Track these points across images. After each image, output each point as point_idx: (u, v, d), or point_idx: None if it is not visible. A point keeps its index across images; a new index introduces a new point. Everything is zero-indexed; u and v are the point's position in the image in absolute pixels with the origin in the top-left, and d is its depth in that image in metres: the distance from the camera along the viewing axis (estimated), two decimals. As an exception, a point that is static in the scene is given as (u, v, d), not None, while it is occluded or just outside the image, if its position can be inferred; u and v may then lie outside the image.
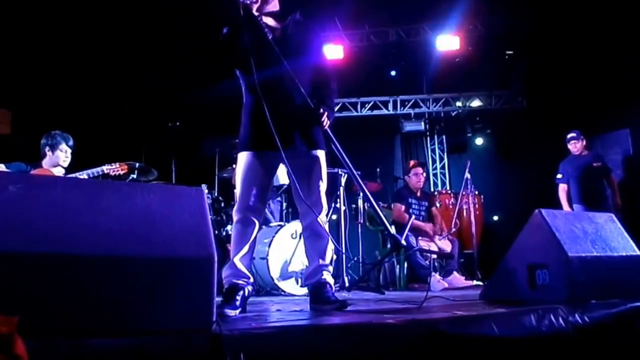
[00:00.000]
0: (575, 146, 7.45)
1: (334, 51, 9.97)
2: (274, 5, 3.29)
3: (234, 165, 6.59)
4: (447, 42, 10.09)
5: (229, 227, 6.14)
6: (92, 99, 7.71)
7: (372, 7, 9.58)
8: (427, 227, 6.60)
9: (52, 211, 1.73)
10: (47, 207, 1.73)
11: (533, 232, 3.16)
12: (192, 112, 8.28)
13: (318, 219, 3.22)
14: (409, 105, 11.01)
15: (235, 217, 3.20)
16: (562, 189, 7.48)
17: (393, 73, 10.99)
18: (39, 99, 6.99)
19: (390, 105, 11.01)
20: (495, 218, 7.11)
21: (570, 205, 7.36)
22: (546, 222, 3.07)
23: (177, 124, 6.83)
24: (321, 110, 3.16)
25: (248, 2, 3.06)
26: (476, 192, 7.64)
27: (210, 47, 3.35)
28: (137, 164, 5.42)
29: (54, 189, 1.77)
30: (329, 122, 3.20)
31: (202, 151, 7.11)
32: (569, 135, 7.48)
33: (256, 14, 3.13)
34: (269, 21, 3.26)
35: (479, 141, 11.02)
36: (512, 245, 3.26)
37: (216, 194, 6.53)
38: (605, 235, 3.28)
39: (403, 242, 3.09)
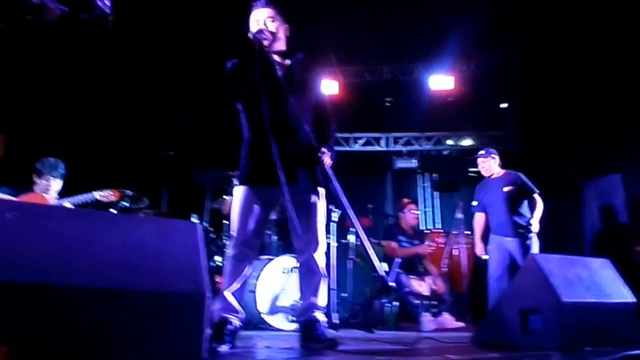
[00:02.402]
0: (483, 166, 6.31)
1: (328, 86, 10.06)
2: (281, 45, 3.37)
3: (224, 197, 6.59)
4: (441, 81, 10.24)
5: (217, 258, 6.09)
6: (87, 124, 7.70)
7: (367, 45, 9.71)
8: (421, 248, 6.64)
9: (46, 241, 1.70)
10: (41, 236, 1.70)
11: (526, 276, 3.15)
12: (187, 141, 8.28)
13: (314, 256, 3.21)
14: (401, 143, 11.08)
15: (230, 251, 3.19)
16: (477, 218, 6.44)
17: (388, 103, 11.08)
18: (34, 122, 6.98)
19: (383, 142, 11.08)
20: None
21: (485, 237, 6.43)
22: (539, 267, 3.06)
23: (171, 152, 6.81)
24: (324, 150, 3.19)
25: (261, 38, 3.13)
26: (468, 232, 7.63)
27: (218, 79, 3.38)
28: (129, 192, 5.38)
29: (50, 218, 1.75)
30: (330, 162, 3.23)
31: (194, 181, 7.09)
32: (478, 154, 6.48)
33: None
34: (276, 59, 3.33)
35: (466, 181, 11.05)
36: (504, 290, 3.24)
37: (207, 225, 6.48)
38: (599, 281, 3.27)
39: (392, 283, 3.07)
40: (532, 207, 6.04)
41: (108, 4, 2.38)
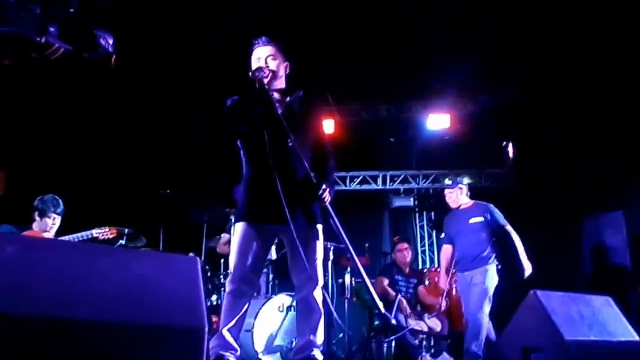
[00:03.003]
0: (450, 197, 6.06)
1: (325, 125, 10.14)
2: (281, 82, 3.44)
3: (221, 235, 6.59)
4: (438, 120, 10.33)
5: (213, 297, 6.05)
6: (85, 162, 7.76)
7: (363, 83, 9.83)
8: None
9: (48, 274, 1.72)
10: (43, 269, 1.72)
11: (528, 313, 3.14)
12: (183, 180, 8.32)
13: (313, 293, 3.20)
14: (398, 181, 11.11)
15: (228, 288, 3.20)
16: (444, 250, 6.19)
17: (391, 139, 11.17)
18: (34, 160, 7.03)
19: (379, 180, 11.11)
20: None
21: (448, 271, 6.22)
22: (541, 304, 3.05)
23: (168, 191, 6.83)
24: (323, 187, 3.21)
25: (261, 77, 3.19)
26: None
27: (218, 117, 3.44)
28: (127, 230, 5.39)
29: (51, 252, 1.77)
30: (330, 198, 3.25)
31: (190, 219, 7.09)
32: (444, 184, 6.28)
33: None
34: (276, 96, 3.39)
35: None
36: (506, 326, 3.22)
37: (202, 263, 6.46)
38: (602, 319, 3.25)
39: (393, 321, 3.06)
40: (506, 242, 5.82)
41: (111, 42, 2.43)
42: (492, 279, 5.62)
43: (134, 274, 1.85)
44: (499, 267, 5.81)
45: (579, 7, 7.31)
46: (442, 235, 6.28)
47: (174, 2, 6.93)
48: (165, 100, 8.43)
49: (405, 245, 7.00)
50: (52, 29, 2.26)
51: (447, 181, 6.22)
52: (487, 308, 5.50)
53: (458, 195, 5.99)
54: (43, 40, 2.24)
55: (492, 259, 5.68)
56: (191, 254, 6.38)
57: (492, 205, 5.98)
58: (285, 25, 7.08)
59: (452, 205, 6.03)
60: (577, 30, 7.66)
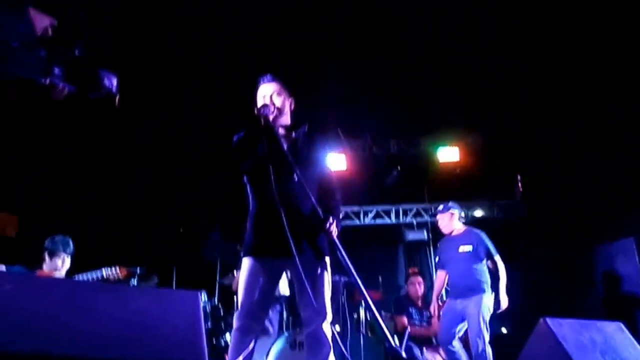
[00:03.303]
0: (441, 223, 6.00)
1: (336, 160, 10.17)
2: (286, 119, 3.50)
3: (234, 272, 6.55)
4: (447, 154, 10.34)
5: (227, 336, 5.98)
6: (94, 200, 7.82)
7: (372, 119, 9.89)
8: (431, 331, 6.42)
9: (47, 311, 1.71)
10: (42, 307, 1.71)
11: (539, 342, 3.06)
12: (195, 218, 8.34)
13: (322, 326, 3.16)
14: (411, 214, 11.05)
15: (235, 324, 3.16)
16: (438, 276, 6.09)
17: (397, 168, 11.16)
18: (44, 202, 7.10)
19: (392, 214, 11.06)
20: (504, 330, 6.67)
21: (441, 298, 6.11)
22: (552, 332, 2.97)
23: (180, 229, 6.85)
24: (330, 220, 3.19)
25: (266, 113, 3.23)
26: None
27: (225, 153, 3.48)
28: (138, 269, 5.37)
29: (50, 290, 1.76)
30: (337, 232, 3.24)
31: (203, 257, 7.08)
32: (437, 210, 6.19)
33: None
34: (282, 132, 3.44)
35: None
36: (519, 356, 3.14)
37: (216, 302, 6.41)
38: (615, 345, 3.15)
39: (404, 354, 2.99)
40: (493, 273, 5.70)
41: (115, 83, 2.46)
42: (486, 308, 5.53)
43: (134, 311, 1.82)
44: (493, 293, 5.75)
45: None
46: (436, 258, 6.20)
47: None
48: (176, 139, 8.52)
49: (419, 279, 6.92)
50: (56, 71, 2.29)
51: (440, 207, 6.13)
52: (487, 337, 5.42)
53: (449, 221, 5.93)
54: (48, 81, 2.26)
55: (485, 288, 5.59)
56: (203, 293, 6.35)
57: (483, 234, 5.91)
58: (290, 58, 7.16)
59: (445, 230, 5.98)
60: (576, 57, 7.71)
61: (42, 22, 2.24)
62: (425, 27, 7.81)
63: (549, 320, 3.07)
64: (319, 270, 3.26)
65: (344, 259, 3.17)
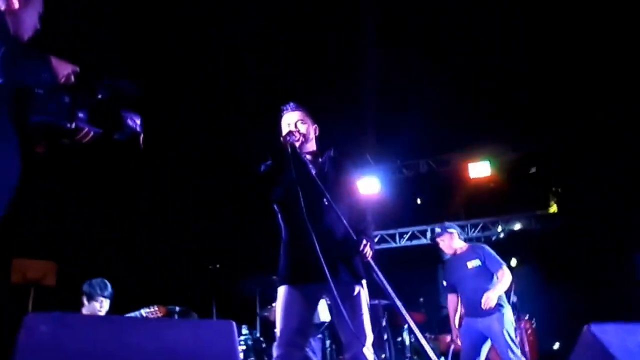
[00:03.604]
0: (443, 245, 5.81)
1: (368, 185, 10.15)
2: (312, 145, 3.53)
3: (273, 304, 6.51)
4: (478, 169, 10.22)
5: (270, 369, 5.92)
6: (131, 244, 7.92)
7: (401, 142, 9.88)
8: None
9: (82, 349, 1.70)
10: (77, 345, 1.70)
11: (585, 350, 2.90)
12: (231, 254, 8.38)
13: (363, 351, 3.09)
14: (446, 233, 10.92)
15: (275, 353, 3.12)
16: (449, 300, 5.87)
17: (419, 201, 11.08)
18: (82, 249, 7.22)
19: (428, 234, 10.95)
20: (556, 347, 6.42)
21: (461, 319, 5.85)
22: (597, 339, 2.82)
23: (217, 266, 6.87)
24: (364, 242, 3.17)
25: (293, 140, 3.26)
26: (526, 317, 7.24)
27: (255, 182, 3.50)
28: (177, 308, 5.39)
29: (84, 328, 1.76)
30: (371, 253, 3.20)
31: (242, 292, 7.07)
32: (435, 233, 5.96)
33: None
34: (308, 158, 3.44)
35: (519, 264, 10.71)
36: None
37: (258, 335, 6.37)
38: (662, 348, 2.99)
39: None
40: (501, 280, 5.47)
41: (138, 122, 2.50)
42: (509, 323, 5.39)
43: (168, 344, 1.81)
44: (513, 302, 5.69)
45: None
46: (444, 282, 6.01)
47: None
48: (209, 178, 8.62)
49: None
50: (81, 115, 2.33)
51: (437, 229, 5.94)
52: (518, 351, 5.26)
53: (450, 241, 5.75)
54: (74, 126, 2.30)
55: (502, 302, 5.44)
56: (244, 327, 6.33)
57: (487, 247, 5.79)
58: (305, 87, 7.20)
59: (448, 251, 5.82)
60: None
61: (64, 69, 2.26)
62: (449, 41, 7.80)
63: (593, 327, 2.92)
64: (355, 293, 3.21)
65: (381, 281, 3.12)
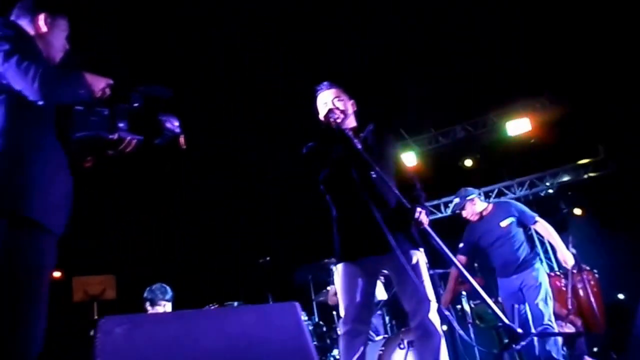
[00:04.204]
0: (467, 214, 5.68)
1: (405, 158, 10.13)
2: (352, 121, 3.56)
3: (328, 288, 6.61)
4: (518, 126, 10.08)
5: (335, 352, 6.02)
6: (185, 246, 8.14)
7: (433, 110, 9.81)
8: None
9: (156, 345, 1.80)
10: (151, 342, 1.80)
11: None
12: (280, 246, 8.52)
13: (429, 316, 3.14)
14: (493, 196, 10.84)
15: (342, 330, 3.20)
16: (458, 260, 5.40)
17: (469, 163, 10.96)
18: (137, 258, 7.46)
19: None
20: (621, 296, 6.31)
21: (462, 283, 5.74)
22: None
23: (267, 258, 6.99)
24: (419, 210, 3.22)
25: (334, 118, 3.34)
26: (587, 269, 7.15)
27: (301, 165, 3.55)
28: (236, 303, 5.53)
29: (155, 326, 1.86)
30: (427, 220, 3.25)
31: (295, 281, 7.18)
32: (454, 206, 5.85)
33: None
34: (351, 134, 3.44)
35: (578, 212, 10.56)
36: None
37: (316, 319, 6.47)
38: None
39: (519, 329, 2.97)
40: (542, 235, 5.44)
41: (177, 124, 2.57)
42: (544, 275, 5.37)
43: (237, 331, 1.90)
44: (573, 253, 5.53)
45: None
46: (461, 245, 5.81)
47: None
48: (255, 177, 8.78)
49: None
50: (121, 125, 2.42)
51: (456, 200, 5.80)
52: (552, 306, 5.22)
53: (472, 206, 5.65)
54: (116, 136, 2.40)
55: (537, 257, 5.42)
56: (303, 314, 6.43)
57: (514, 202, 5.75)
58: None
59: (473, 218, 5.68)
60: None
61: (99, 83, 2.34)
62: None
63: None
64: (415, 260, 3.26)
65: (441, 247, 3.16)
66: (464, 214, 5.72)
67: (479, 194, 5.86)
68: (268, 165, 8.50)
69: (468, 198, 5.68)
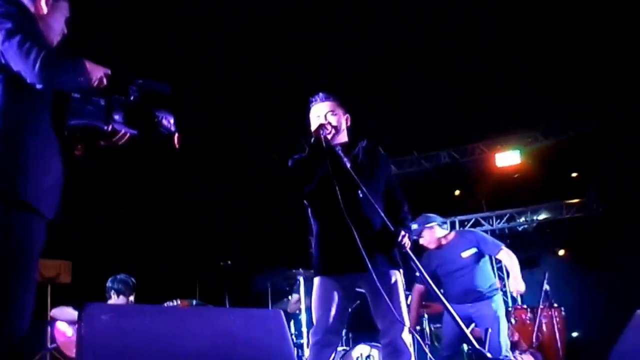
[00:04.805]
0: (425, 240, 5.66)
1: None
2: (343, 136, 3.68)
3: (289, 297, 6.82)
4: (507, 158, 10.45)
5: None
6: (145, 240, 8.26)
7: (419, 131, 10.03)
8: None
9: (140, 335, 1.99)
10: (136, 332, 1.99)
11: (635, 335, 2.98)
12: (242, 250, 8.70)
13: (401, 336, 3.33)
14: (469, 225, 11.17)
15: (313, 339, 3.38)
16: (417, 289, 5.86)
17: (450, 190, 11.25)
18: (95, 247, 7.57)
19: (447, 227, 11.17)
20: (575, 334, 6.63)
21: (426, 306, 6.06)
22: None
23: (229, 262, 7.14)
24: (402, 233, 3.40)
25: (325, 134, 3.46)
26: (556, 305, 7.47)
27: (285, 178, 3.70)
28: (195, 301, 5.72)
29: (143, 317, 2.05)
30: (410, 244, 3.44)
31: (254, 287, 7.36)
32: (413, 232, 5.54)
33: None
34: (341, 150, 3.61)
35: (561, 253, 10.91)
36: (611, 352, 3.11)
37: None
38: None
39: (488, 354, 3.17)
40: (502, 265, 5.48)
41: (172, 121, 2.72)
42: (502, 309, 5.56)
43: (222, 331, 2.10)
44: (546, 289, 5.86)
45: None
46: (417, 273, 5.60)
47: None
48: (223, 173, 8.92)
49: None
50: (116, 117, 2.55)
51: (414, 226, 5.51)
52: (506, 336, 5.45)
53: (432, 236, 5.67)
54: (110, 128, 2.52)
55: (497, 291, 5.60)
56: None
57: (477, 231, 5.91)
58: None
59: (431, 246, 5.70)
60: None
61: (97, 72, 2.44)
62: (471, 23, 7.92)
63: None
64: (393, 281, 3.46)
65: (420, 271, 3.40)
66: (422, 241, 5.73)
67: (442, 222, 5.95)
68: (256, 168, 8.68)
69: (427, 225, 5.70)
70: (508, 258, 5.60)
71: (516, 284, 5.51)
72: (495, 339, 5.38)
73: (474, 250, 5.55)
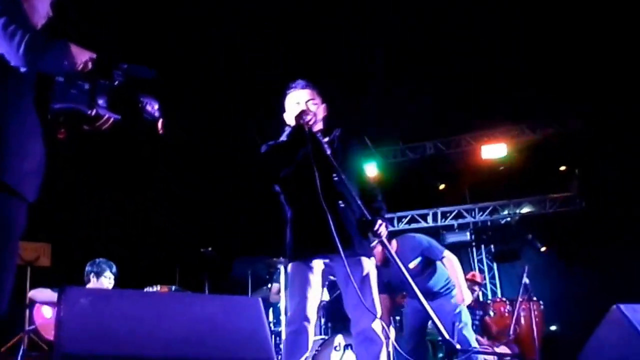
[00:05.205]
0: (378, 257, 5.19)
1: (367, 169, 10.34)
2: (320, 125, 3.73)
3: (270, 285, 6.88)
4: (493, 150, 10.53)
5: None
6: (126, 225, 8.29)
7: (404, 121, 10.09)
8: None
9: (119, 319, 2.04)
10: (115, 315, 2.05)
11: (611, 328, 3.09)
12: (224, 237, 8.75)
13: (372, 325, 3.39)
14: (451, 217, 11.30)
15: (289, 328, 3.45)
16: (383, 299, 5.20)
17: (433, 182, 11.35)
18: (75, 230, 7.58)
19: (429, 218, 11.33)
20: (553, 328, 6.76)
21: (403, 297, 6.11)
22: (627, 318, 2.99)
23: (209, 249, 7.18)
24: (379, 222, 3.46)
25: (307, 120, 3.51)
26: (535, 299, 7.61)
27: (259, 162, 3.72)
28: (174, 287, 5.77)
29: (121, 300, 2.10)
30: (386, 232, 3.51)
31: (233, 272, 7.39)
32: None
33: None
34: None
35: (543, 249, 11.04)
36: (585, 345, 3.19)
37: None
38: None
39: (457, 345, 3.23)
40: (447, 270, 5.59)
41: (157, 107, 2.75)
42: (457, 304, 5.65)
43: (201, 316, 2.16)
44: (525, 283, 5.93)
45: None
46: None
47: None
48: (206, 158, 8.95)
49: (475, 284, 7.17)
50: (100, 101, 2.57)
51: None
52: (469, 328, 5.61)
53: (381, 252, 5.21)
54: (93, 112, 2.54)
55: (451, 288, 5.69)
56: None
57: (420, 236, 5.87)
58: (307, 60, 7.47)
59: (379, 263, 5.30)
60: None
61: (82, 56, 2.43)
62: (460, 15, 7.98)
63: (622, 306, 3.03)
64: (366, 269, 3.52)
65: (394, 260, 3.46)
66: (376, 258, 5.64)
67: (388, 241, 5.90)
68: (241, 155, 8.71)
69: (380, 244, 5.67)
70: (451, 266, 5.66)
71: (461, 295, 5.58)
72: (460, 331, 5.50)
73: (419, 259, 5.60)
